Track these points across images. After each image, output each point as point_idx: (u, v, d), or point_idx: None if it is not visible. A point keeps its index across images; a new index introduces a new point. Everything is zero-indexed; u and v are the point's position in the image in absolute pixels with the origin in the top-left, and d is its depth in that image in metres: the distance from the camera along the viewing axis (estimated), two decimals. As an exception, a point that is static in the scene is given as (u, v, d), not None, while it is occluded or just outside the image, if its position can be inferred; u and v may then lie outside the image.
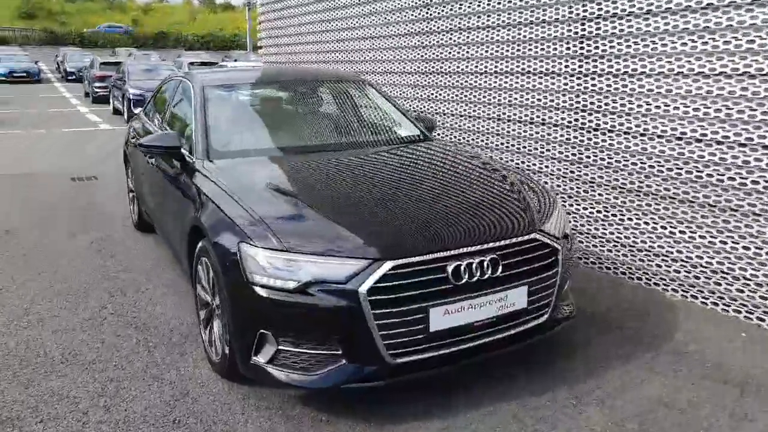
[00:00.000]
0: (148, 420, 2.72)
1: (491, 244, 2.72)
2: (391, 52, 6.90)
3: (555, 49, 4.77)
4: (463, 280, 2.61)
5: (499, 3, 5.25)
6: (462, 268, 2.60)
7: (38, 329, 3.59)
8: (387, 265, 2.50)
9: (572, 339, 3.45)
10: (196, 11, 69.50)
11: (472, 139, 5.74)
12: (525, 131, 5.12)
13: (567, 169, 4.78)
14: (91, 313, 3.81)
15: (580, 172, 4.69)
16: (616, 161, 4.40)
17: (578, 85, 4.61)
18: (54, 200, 6.67)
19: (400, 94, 6.74)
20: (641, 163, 4.22)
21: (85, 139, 11.86)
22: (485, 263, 2.65)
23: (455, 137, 5.99)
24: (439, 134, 6.19)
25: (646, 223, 4.23)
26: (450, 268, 2.58)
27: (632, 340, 3.46)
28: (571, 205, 4.79)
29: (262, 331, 2.59)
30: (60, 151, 10.42)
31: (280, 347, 2.59)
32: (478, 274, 2.64)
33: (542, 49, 4.87)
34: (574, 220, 4.76)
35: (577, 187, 4.72)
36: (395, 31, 6.76)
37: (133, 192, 5.51)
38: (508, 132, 5.29)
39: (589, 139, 4.58)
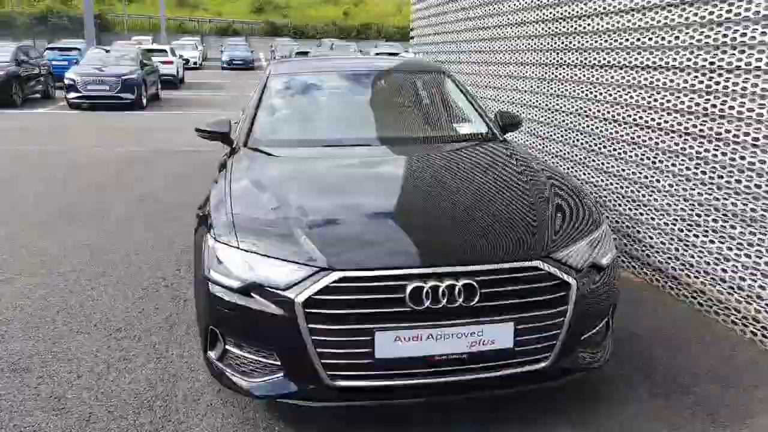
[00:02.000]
0: (123, 395, 2.80)
1: (468, 268, 2.30)
2: (511, 42, 6.34)
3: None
4: (424, 305, 2.24)
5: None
6: (424, 291, 2.24)
7: (100, 291, 3.93)
8: (332, 277, 2.24)
9: (611, 397, 2.84)
10: (402, 3, 71.89)
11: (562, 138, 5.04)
12: (626, 134, 4.34)
13: (679, 185, 3.96)
14: (150, 283, 4.08)
15: (693, 191, 3.84)
16: (736, 180, 3.52)
17: (700, 82, 3.76)
18: (198, 173, 7.33)
19: (509, 86, 6.17)
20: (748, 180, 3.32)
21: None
22: (457, 289, 2.25)
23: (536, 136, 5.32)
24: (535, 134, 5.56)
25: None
26: (408, 289, 2.24)
27: (692, 410, 2.74)
28: (681, 230, 3.96)
29: (212, 327, 2.50)
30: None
31: (226, 347, 2.48)
32: (445, 300, 2.25)
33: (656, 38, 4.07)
34: (684, 251, 3.93)
35: (690, 209, 3.88)
36: (518, 20, 6.19)
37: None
38: (603, 133, 4.53)
39: (707, 150, 3.73)
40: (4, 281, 4.07)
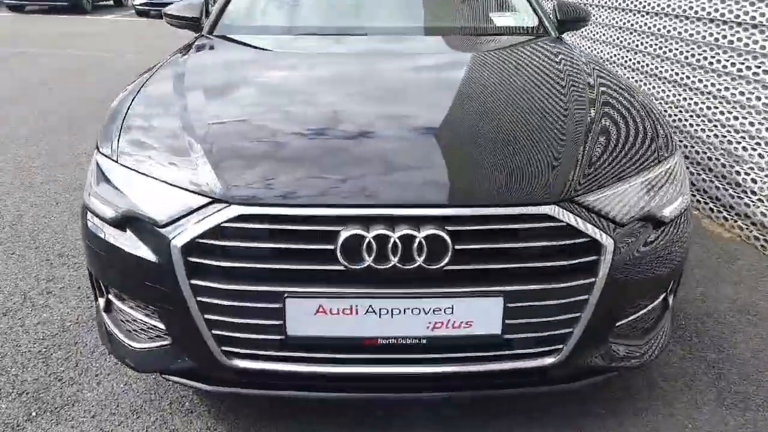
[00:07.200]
0: (23, 339, 2.24)
1: (437, 211, 1.48)
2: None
3: None
4: (365, 263, 1.46)
5: None
6: (366, 241, 1.45)
7: (63, 208, 3.41)
8: (226, 213, 1.47)
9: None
10: None
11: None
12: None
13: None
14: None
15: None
16: None
17: None
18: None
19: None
20: None
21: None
22: (417, 241, 1.45)
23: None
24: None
25: None
26: (341, 239, 1.46)
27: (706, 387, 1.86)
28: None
29: (91, 270, 1.84)
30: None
31: (108, 296, 1.81)
32: (397, 257, 1.46)
33: None
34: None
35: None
36: None
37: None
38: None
39: None
40: (-29, 189, 3.64)
